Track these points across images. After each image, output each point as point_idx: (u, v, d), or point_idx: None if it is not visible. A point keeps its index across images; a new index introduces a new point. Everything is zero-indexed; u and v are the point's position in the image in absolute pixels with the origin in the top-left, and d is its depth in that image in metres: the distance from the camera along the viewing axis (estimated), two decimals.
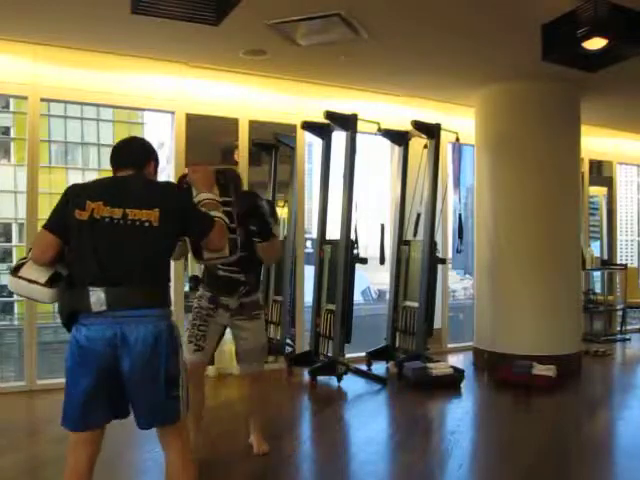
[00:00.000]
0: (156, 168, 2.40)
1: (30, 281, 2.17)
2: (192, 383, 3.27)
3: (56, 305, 2.24)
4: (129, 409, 2.24)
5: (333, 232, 5.73)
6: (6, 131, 20.66)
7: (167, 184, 2.50)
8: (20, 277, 2.18)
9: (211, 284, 3.38)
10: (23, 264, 2.20)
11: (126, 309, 2.12)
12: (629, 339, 7.70)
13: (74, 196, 2.19)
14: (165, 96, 5.42)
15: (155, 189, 2.31)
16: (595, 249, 8.18)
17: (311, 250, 6.70)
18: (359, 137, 5.57)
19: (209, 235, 2.27)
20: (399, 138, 6.23)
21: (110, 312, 2.10)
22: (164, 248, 2.24)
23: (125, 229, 2.15)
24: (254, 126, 5.77)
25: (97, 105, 5.66)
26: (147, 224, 2.16)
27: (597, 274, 8.29)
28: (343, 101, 5.92)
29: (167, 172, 5.66)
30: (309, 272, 5.95)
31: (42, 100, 5.10)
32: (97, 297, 2.10)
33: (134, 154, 2.35)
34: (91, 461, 2.21)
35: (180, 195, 2.34)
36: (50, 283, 2.18)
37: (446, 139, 6.24)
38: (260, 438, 3.58)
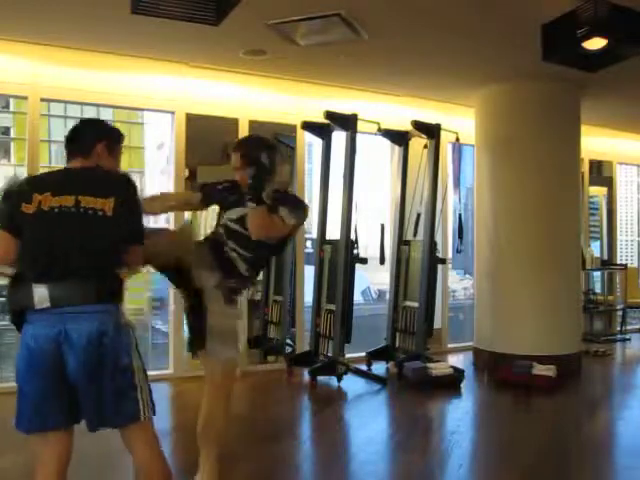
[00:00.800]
0: (109, 147, 2.23)
1: None
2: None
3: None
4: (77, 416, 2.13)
5: (333, 232, 5.73)
6: (6, 131, 20.64)
7: (124, 175, 2.32)
8: None
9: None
10: None
11: (70, 305, 2.01)
12: (629, 339, 7.70)
13: (19, 191, 2.10)
14: (165, 96, 5.42)
15: (109, 178, 2.20)
16: (595, 249, 8.18)
17: (311, 250, 6.70)
18: (359, 137, 5.57)
19: (135, 245, 2.16)
20: (399, 138, 6.23)
21: (54, 309, 2.01)
22: (117, 240, 2.10)
23: (77, 218, 2.03)
24: (254, 126, 5.76)
25: (97, 105, 5.68)
26: (101, 213, 2.04)
27: (597, 274, 8.29)
28: (343, 101, 5.92)
29: (167, 172, 5.67)
30: (309, 272, 5.95)
31: (42, 100, 5.10)
32: (40, 294, 2.00)
33: (78, 140, 2.22)
34: (60, 464, 2.13)
35: (134, 189, 2.19)
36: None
37: (446, 139, 6.24)
38: None
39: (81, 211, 2.03)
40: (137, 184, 2.26)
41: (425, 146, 5.96)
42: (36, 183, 2.14)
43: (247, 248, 2.83)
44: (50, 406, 2.05)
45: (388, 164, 6.78)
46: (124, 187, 2.15)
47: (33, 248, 2.04)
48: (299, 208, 2.90)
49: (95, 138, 2.21)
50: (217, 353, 2.73)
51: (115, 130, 2.31)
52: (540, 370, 5.26)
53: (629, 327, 8.10)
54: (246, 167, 2.83)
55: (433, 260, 5.78)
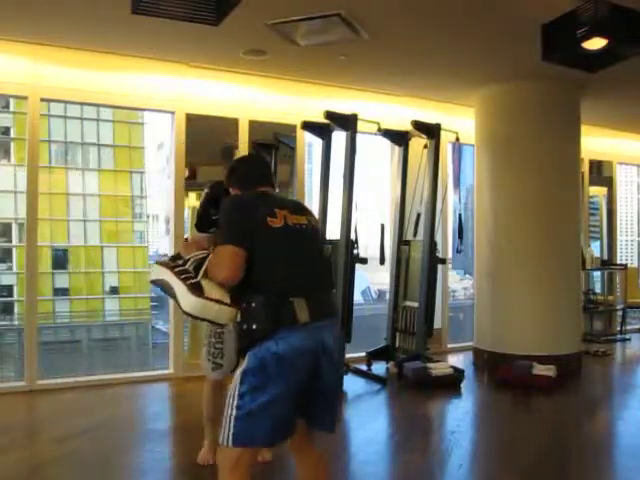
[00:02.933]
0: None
1: (217, 301, 2.03)
2: (212, 398, 3.29)
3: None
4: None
5: (333, 232, 5.73)
6: (6, 131, 20.67)
7: None
8: (207, 298, 2.02)
9: None
10: (197, 283, 2.05)
11: (324, 317, 2.11)
12: (629, 339, 7.70)
13: (256, 204, 2.14)
14: (165, 96, 5.42)
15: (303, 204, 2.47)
16: (595, 249, 8.18)
17: None
18: (359, 137, 5.57)
19: None
20: (399, 138, 6.22)
21: (312, 322, 2.06)
22: None
23: (313, 235, 2.21)
24: (254, 126, 5.77)
25: (97, 105, 5.67)
26: (319, 231, 2.30)
27: (597, 274, 8.29)
28: (343, 101, 5.92)
29: (167, 172, 5.67)
30: None
31: (42, 100, 5.10)
32: (300, 308, 2.03)
33: (269, 174, 2.38)
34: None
35: None
36: (233, 303, 2.07)
37: (446, 139, 6.23)
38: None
39: (313, 229, 2.22)
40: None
41: (425, 146, 5.95)
42: (268, 199, 2.21)
43: None
44: (290, 419, 2.10)
45: (388, 164, 6.78)
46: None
47: (287, 263, 2.09)
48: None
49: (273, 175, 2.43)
50: None
51: None
52: (540, 370, 5.26)
53: (629, 327, 8.10)
54: None
55: (433, 260, 5.77)
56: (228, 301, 2.04)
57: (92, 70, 5.07)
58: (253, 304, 2.03)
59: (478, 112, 6.29)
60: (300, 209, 2.25)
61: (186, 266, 2.14)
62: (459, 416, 4.60)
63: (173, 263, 2.19)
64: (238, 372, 2.07)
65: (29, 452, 3.72)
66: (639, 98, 6.23)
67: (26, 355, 4.96)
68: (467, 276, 10.56)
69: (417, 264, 5.89)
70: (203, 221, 3.23)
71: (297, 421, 2.14)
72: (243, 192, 2.30)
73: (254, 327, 2.03)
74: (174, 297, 2.09)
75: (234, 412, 2.04)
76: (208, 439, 3.37)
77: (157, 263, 2.23)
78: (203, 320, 2.11)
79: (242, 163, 2.49)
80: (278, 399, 2.02)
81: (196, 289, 2.04)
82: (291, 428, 2.12)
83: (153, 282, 2.20)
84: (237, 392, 2.04)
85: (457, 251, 6.30)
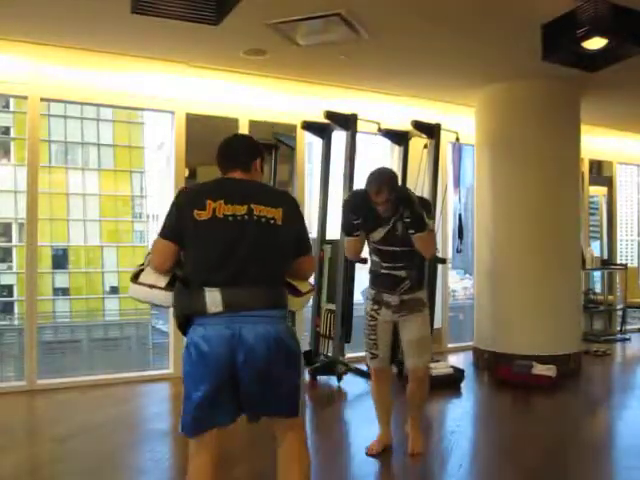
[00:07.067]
0: (262, 164, 2.36)
1: (150, 286, 2.18)
2: (376, 387, 3.74)
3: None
4: (241, 411, 2.22)
5: (333, 232, 5.73)
6: (6, 131, 20.66)
7: (285, 190, 2.56)
8: (140, 283, 2.20)
9: (374, 282, 3.53)
10: (141, 271, 2.22)
11: (245, 310, 2.08)
12: (629, 339, 7.70)
13: (190, 198, 2.17)
14: (165, 96, 5.42)
15: (275, 191, 2.40)
16: (595, 249, 8.18)
17: None
18: (359, 137, 5.57)
19: (303, 257, 2.29)
20: (399, 138, 6.22)
21: (227, 313, 2.07)
22: (287, 248, 2.22)
23: (251, 225, 2.12)
24: (254, 126, 5.77)
25: (97, 105, 5.67)
26: (272, 222, 2.14)
27: (597, 274, 8.30)
28: (343, 101, 5.92)
29: (167, 172, 5.67)
30: None
31: (42, 100, 5.10)
32: (213, 298, 2.06)
33: (239, 156, 2.31)
34: (214, 464, 2.19)
35: (297, 204, 2.32)
36: (170, 286, 2.18)
37: (446, 139, 6.24)
38: (417, 437, 3.66)
39: (254, 219, 2.12)
40: None
41: (425, 146, 5.96)
42: (208, 191, 2.18)
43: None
44: (215, 408, 2.11)
45: (388, 164, 6.78)
46: (289, 199, 2.29)
47: (207, 254, 2.10)
48: (429, 208, 3.45)
49: (254, 155, 2.33)
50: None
51: (263, 148, 2.45)
52: (540, 370, 5.27)
53: (629, 327, 8.10)
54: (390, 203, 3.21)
55: (433, 260, 5.77)
56: (162, 285, 2.17)
57: (92, 70, 5.06)
58: (176, 292, 2.16)
59: (478, 112, 6.29)
60: (244, 198, 2.14)
61: None
62: (459, 416, 4.61)
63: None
64: None
65: (29, 452, 3.72)
66: (639, 98, 6.23)
67: (26, 355, 4.96)
68: (467, 276, 10.55)
69: None
70: (346, 226, 3.44)
71: (225, 413, 2.14)
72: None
73: (176, 313, 2.18)
74: None
75: (184, 397, 2.14)
76: (380, 429, 3.70)
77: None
78: (148, 303, 2.26)
79: (219, 147, 2.38)
80: (202, 388, 2.07)
81: (134, 275, 2.22)
82: (222, 417, 2.14)
83: None
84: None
85: (457, 251, 6.30)
